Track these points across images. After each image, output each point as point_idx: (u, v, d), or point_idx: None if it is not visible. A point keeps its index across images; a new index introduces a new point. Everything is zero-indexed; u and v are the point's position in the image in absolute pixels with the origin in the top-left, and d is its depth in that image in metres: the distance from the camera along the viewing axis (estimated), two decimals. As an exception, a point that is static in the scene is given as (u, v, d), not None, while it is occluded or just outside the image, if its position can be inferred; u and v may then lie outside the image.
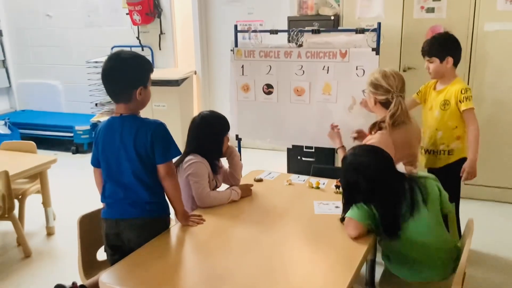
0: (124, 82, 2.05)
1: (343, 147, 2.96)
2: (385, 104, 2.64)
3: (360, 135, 3.01)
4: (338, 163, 4.25)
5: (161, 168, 2.08)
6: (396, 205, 2.07)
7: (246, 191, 2.58)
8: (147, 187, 2.08)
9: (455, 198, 3.09)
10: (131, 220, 2.08)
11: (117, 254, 2.12)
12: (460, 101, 2.83)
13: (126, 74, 2.05)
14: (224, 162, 2.74)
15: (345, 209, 2.17)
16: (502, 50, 3.92)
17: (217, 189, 2.57)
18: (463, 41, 3.89)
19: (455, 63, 2.94)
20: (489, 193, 4.19)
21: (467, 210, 3.89)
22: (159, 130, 2.07)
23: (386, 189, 2.09)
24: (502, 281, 2.94)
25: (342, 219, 2.23)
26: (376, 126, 2.63)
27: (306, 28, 3.64)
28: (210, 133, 2.55)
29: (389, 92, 2.60)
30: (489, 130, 4.08)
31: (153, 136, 2.05)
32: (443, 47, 2.92)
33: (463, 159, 2.95)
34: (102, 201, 2.18)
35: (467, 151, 2.93)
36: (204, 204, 2.41)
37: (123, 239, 2.11)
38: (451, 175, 2.94)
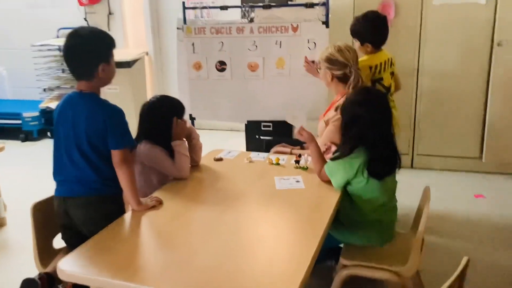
0: (85, 60, 2.00)
1: None
2: (343, 79, 2.63)
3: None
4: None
5: (115, 154, 2.02)
6: (386, 150, 2.13)
7: (181, 134, 2.51)
8: (94, 167, 2.04)
9: None
10: (77, 199, 2.06)
11: (68, 233, 2.13)
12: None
13: (87, 51, 1.99)
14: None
15: (342, 149, 2.19)
16: (448, 23, 4.03)
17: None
18: (413, 15, 3.99)
19: (377, 46, 2.99)
20: (444, 163, 4.33)
21: (423, 180, 4.05)
22: (115, 115, 2.03)
23: (382, 132, 2.13)
24: (458, 247, 3.06)
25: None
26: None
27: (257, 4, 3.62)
28: (158, 117, 2.48)
29: (346, 66, 2.60)
30: (438, 101, 4.20)
31: (107, 121, 2.00)
32: (362, 32, 2.98)
33: None
34: (53, 178, 2.13)
35: None
36: (184, 175, 2.42)
37: (71, 216, 2.09)
38: None
